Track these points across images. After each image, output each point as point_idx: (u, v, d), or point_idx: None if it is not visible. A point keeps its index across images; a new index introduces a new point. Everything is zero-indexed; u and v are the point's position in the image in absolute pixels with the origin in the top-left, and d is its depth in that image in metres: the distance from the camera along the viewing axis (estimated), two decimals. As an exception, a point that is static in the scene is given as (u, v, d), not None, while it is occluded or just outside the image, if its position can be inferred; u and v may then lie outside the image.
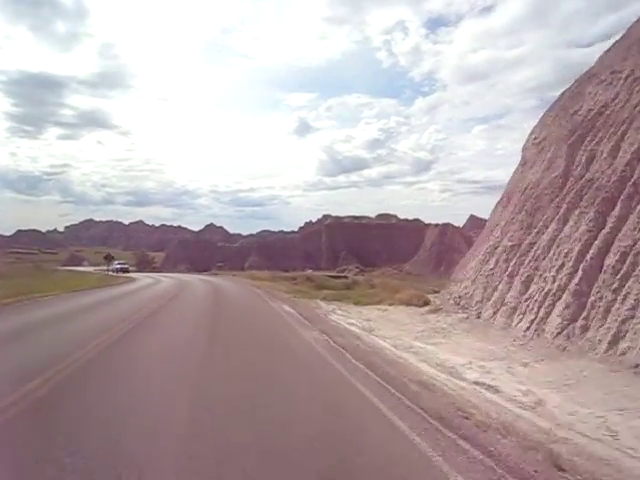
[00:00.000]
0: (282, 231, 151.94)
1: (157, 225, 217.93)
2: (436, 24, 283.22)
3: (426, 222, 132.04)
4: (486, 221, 17.36)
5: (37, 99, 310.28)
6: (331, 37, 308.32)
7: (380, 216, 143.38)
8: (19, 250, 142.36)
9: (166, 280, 36.22)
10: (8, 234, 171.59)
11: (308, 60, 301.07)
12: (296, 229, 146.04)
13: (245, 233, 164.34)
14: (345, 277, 50.51)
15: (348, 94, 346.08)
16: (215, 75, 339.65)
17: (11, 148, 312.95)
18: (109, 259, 46.65)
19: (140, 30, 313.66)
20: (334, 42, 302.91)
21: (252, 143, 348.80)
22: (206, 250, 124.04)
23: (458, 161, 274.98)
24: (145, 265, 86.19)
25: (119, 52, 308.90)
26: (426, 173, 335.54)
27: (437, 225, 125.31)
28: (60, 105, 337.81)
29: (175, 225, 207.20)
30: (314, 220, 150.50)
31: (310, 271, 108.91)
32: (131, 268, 62.55)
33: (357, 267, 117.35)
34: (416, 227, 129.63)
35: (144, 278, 38.75)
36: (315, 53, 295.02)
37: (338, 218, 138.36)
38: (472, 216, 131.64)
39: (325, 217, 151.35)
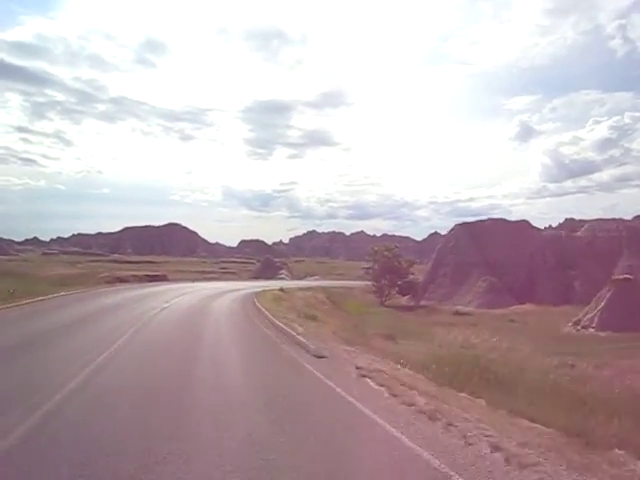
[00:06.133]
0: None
1: (378, 235, 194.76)
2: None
3: None
4: None
5: (268, 123, 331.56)
6: (555, 31, 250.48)
7: None
8: (235, 260, 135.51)
9: None
10: (234, 245, 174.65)
11: (529, 59, 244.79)
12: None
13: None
14: None
15: (575, 92, 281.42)
16: (433, 84, 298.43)
17: (248, 170, 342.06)
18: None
19: (358, 49, 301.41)
20: (558, 36, 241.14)
21: (471, 151, 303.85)
22: (518, 243, 58.80)
23: None
24: (396, 278, 48.68)
25: (339, 72, 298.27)
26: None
27: None
28: (288, 127, 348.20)
29: (397, 235, 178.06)
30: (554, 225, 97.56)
31: None
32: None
33: None
34: None
35: None
36: (537, 51, 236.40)
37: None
38: None
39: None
